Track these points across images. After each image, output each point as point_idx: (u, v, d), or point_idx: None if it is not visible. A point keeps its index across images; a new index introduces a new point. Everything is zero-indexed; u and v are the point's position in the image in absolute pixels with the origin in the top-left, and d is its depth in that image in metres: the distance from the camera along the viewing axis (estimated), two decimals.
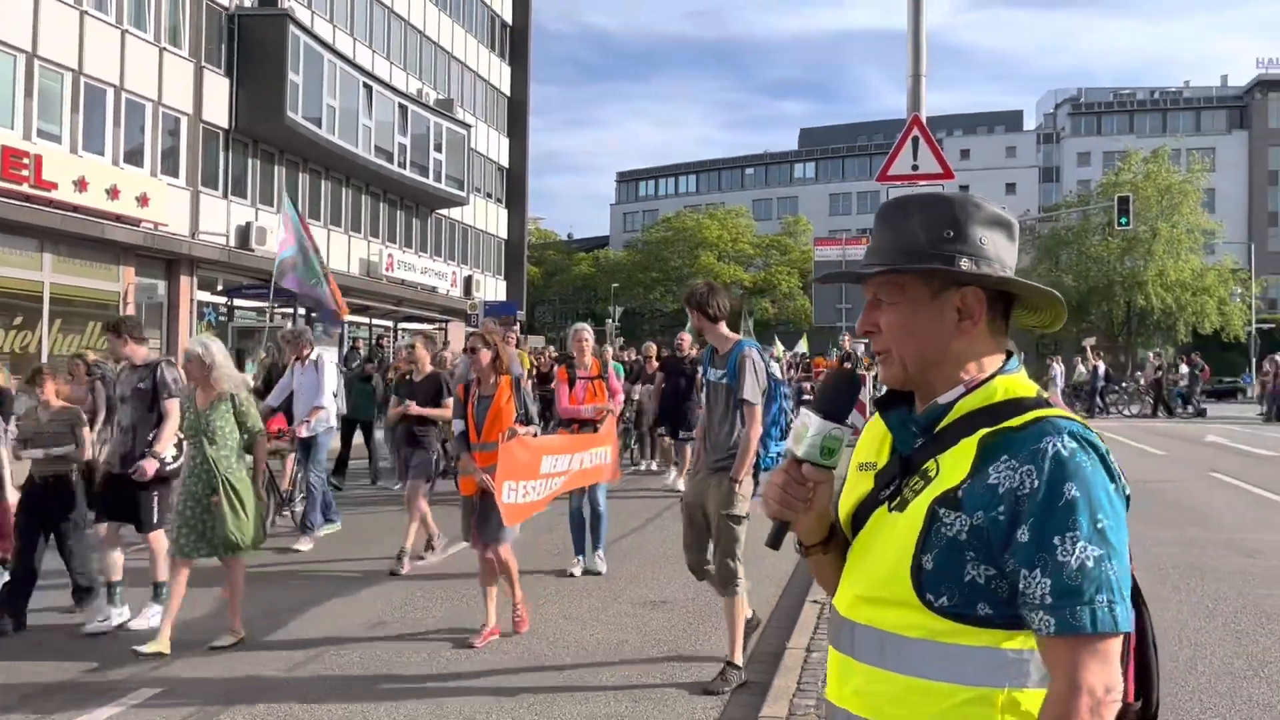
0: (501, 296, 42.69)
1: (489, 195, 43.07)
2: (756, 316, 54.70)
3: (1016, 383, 1.49)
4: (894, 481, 1.50)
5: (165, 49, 23.19)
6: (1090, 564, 1.32)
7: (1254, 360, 38.36)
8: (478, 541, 6.08)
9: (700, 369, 5.45)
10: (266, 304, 25.81)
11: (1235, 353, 45.97)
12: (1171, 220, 50.76)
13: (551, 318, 72.40)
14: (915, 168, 9.86)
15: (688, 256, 64.05)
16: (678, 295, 45.75)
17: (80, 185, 19.59)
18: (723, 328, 5.26)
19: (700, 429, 5.42)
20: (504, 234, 44.89)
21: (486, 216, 42.68)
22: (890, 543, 1.46)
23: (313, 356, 9.25)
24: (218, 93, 25.03)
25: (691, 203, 76.03)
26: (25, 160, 18.49)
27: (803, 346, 33.35)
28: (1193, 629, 6.24)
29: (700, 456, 5.31)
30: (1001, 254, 1.53)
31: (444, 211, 37.99)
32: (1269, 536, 9.40)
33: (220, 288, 24.96)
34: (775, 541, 1.61)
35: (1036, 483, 1.35)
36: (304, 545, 8.88)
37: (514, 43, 45.35)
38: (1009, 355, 1.55)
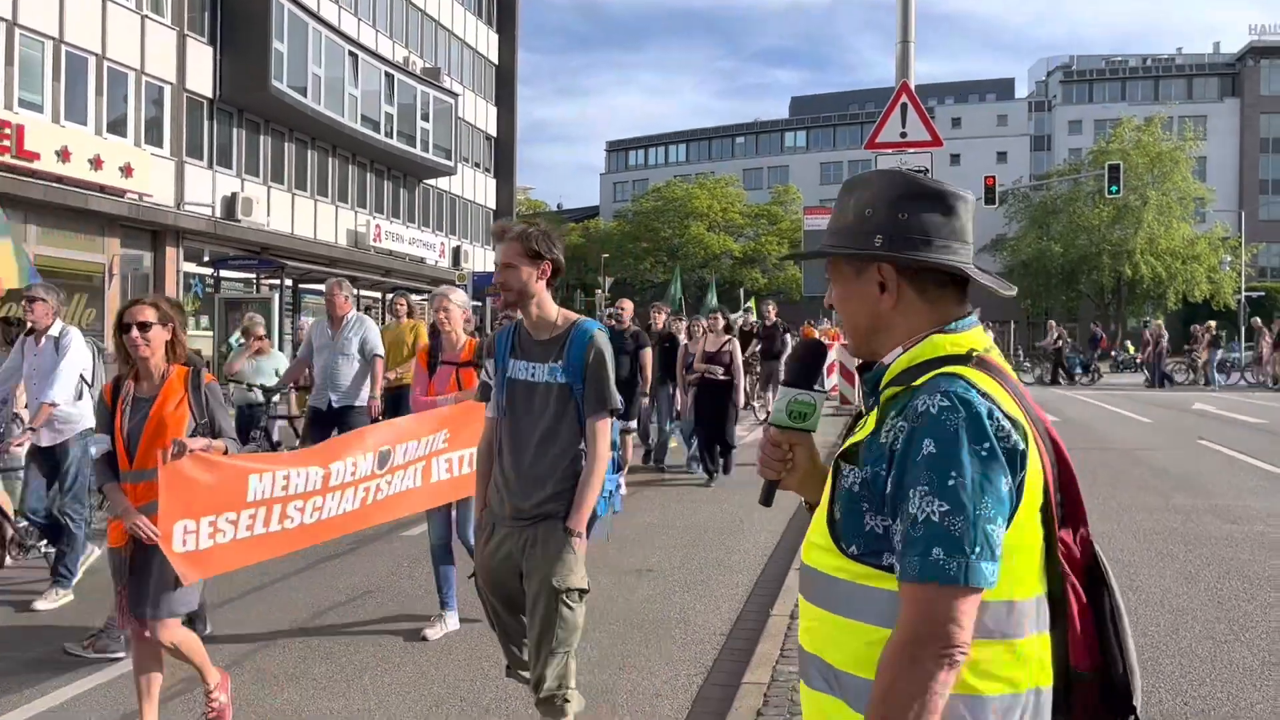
0: (490, 267, 42.45)
1: (477, 165, 42.78)
2: (746, 286, 54.56)
3: (949, 340, 1.53)
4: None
5: (147, 16, 22.89)
6: (935, 518, 1.36)
7: (1242, 329, 38.46)
8: (127, 616, 3.98)
9: (493, 362, 3.59)
10: (252, 275, 25.80)
11: (1225, 320, 46.08)
12: (1162, 188, 50.75)
13: None
14: (904, 135, 9.81)
15: (678, 226, 63.82)
16: (669, 266, 45.43)
17: (63, 155, 19.39)
18: (548, 296, 3.55)
19: (487, 455, 3.63)
20: (492, 204, 44.63)
21: (475, 186, 42.41)
22: (824, 494, 1.58)
23: (54, 331, 6.27)
24: (201, 61, 24.74)
25: (682, 172, 75.59)
26: (7, 130, 18.28)
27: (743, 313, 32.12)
28: (1175, 594, 6.27)
29: (487, 500, 3.59)
30: (928, 227, 1.56)
31: (431, 181, 37.75)
32: (1254, 503, 9.45)
33: (206, 259, 24.80)
34: (767, 499, 1.77)
35: (904, 438, 1.43)
36: (49, 601, 6.05)
37: (501, 10, 44.84)
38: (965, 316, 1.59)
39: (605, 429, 3.45)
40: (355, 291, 8.42)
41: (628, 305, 10.72)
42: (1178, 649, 5.19)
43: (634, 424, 10.44)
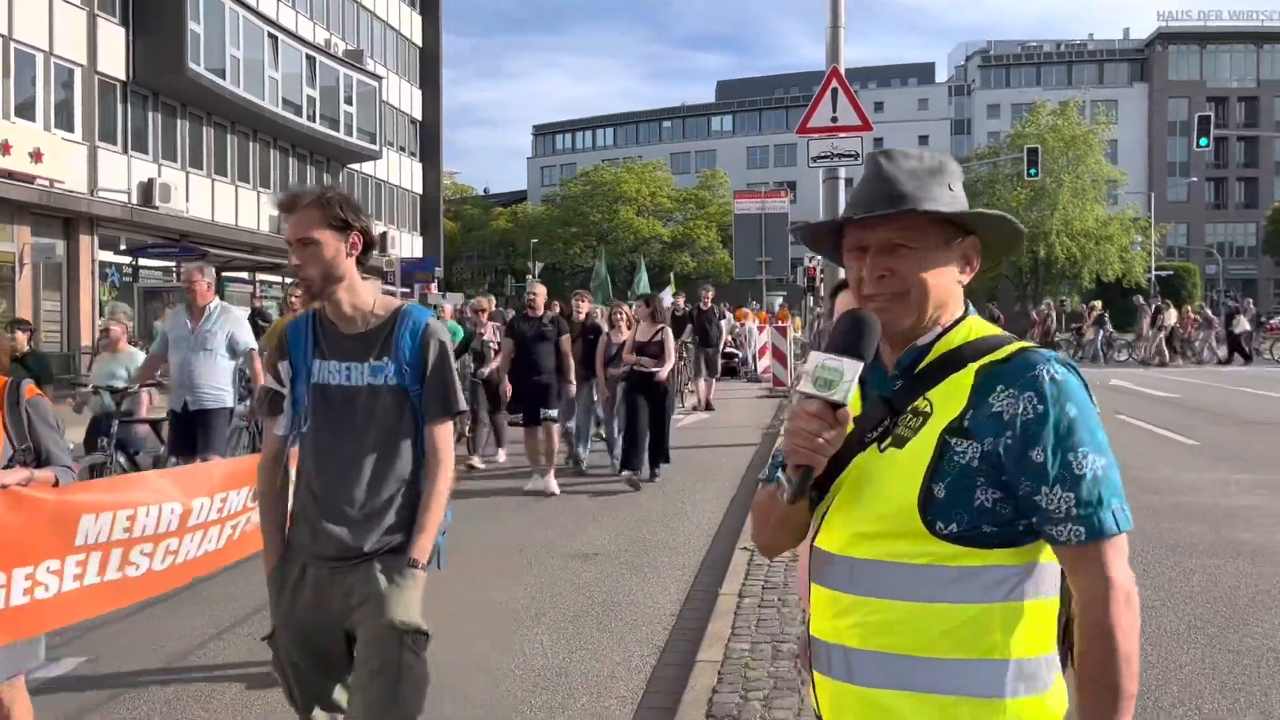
0: (418, 253, 41.98)
1: (402, 149, 42.15)
2: (676, 270, 54.67)
3: (981, 323, 1.62)
4: (880, 424, 1.57)
5: None
6: (1101, 473, 1.46)
7: (1153, 306, 39.78)
8: None
9: (287, 364, 2.83)
10: (173, 263, 25.09)
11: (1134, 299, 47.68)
12: (1076, 171, 52.26)
13: (470, 274, 71.52)
14: (834, 120, 9.94)
15: (607, 211, 63.74)
16: (597, 250, 45.27)
17: None
18: (359, 278, 2.84)
19: (272, 489, 2.88)
20: (419, 189, 44.04)
21: (400, 171, 41.79)
22: (891, 479, 1.52)
23: None
24: (114, 43, 23.90)
25: (609, 156, 75.41)
26: None
27: (668, 296, 31.26)
28: None
29: (287, 542, 2.83)
30: None
31: (356, 166, 37.08)
32: (1172, 474, 9.84)
33: (123, 247, 24.04)
34: (802, 490, 1.53)
35: (1041, 408, 1.47)
36: None
37: None
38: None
39: (448, 436, 2.84)
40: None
41: (540, 290, 9.89)
42: None
43: (555, 413, 9.65)
